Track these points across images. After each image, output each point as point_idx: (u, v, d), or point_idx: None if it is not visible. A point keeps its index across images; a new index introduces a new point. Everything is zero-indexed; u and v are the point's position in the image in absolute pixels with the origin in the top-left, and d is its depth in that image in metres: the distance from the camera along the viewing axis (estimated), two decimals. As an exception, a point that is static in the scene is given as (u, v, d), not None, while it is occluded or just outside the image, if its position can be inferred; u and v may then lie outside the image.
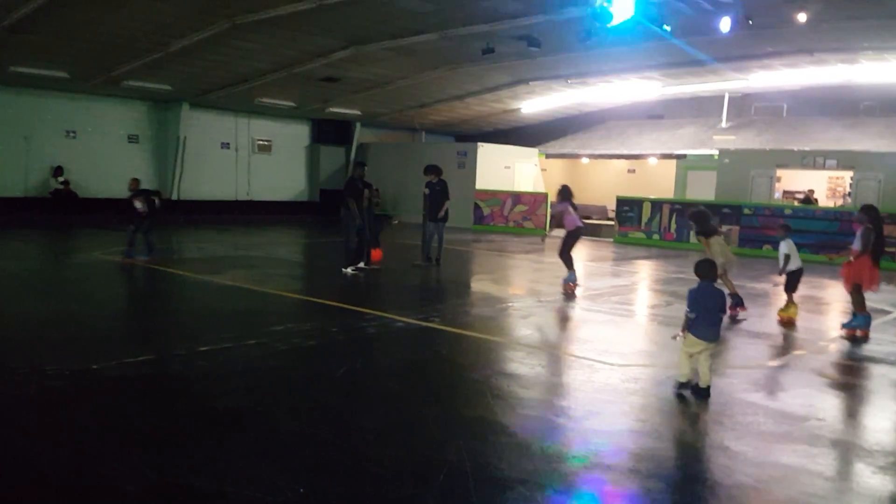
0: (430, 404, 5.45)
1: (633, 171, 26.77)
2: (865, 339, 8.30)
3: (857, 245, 8.37)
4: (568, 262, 10.96)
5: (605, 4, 11.92)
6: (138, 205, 12.50)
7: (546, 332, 8.54)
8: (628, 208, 20.96)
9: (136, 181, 12.90)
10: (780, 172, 21.04)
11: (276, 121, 26.19)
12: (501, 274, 12.61)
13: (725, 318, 6.79)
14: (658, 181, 24.54)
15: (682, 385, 5.87)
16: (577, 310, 10.02)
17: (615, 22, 12.22)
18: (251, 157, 25.86)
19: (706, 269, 5.88)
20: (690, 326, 5.73)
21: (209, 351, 6.64)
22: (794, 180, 21.92)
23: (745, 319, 9.12)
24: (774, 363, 7.36)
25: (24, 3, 13.40)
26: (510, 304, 10.14)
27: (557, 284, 11.22)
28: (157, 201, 12.91)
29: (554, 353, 7.24)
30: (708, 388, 5.76)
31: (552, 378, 6.28)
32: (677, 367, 5.98)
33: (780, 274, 9.07)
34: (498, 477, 4.09)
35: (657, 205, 20.33)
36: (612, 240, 21.00)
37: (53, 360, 6.05)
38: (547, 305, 10.12)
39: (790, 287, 9.17)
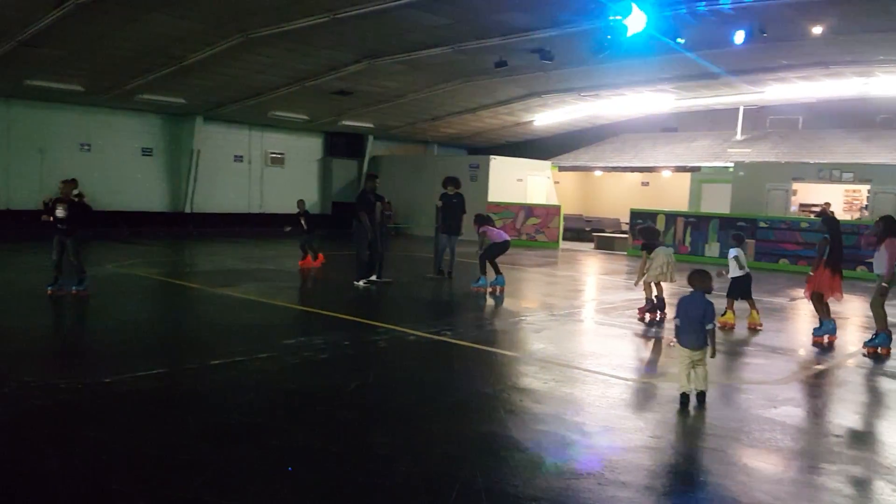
0: (443, 419, 5.40)
1: (647, 183, 26.67)
2: (831, 346, 8.50)
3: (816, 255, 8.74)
4: (482, 267, 12.07)
5: (619, 18, 11.92)
6: (60, 213, 9.90)
7: (559, 346, 8.46)
8: (642, 221, 20.82)
9: (74, 182, 10.37)
10: (795, 185, 20.90)
11: (289, 134, 26.33)
12: (514, 287, 12.54)
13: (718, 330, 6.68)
14: (672, 194, 24.43)
15: (681, 396, 5.87)
16: (591, 324, 9.94)
17: (628, 35, 12.21)
18: (264, 169, 25.97)
19: (697, 280, 5.98)
20: (678, 335, 5.88)
21: (221, 364, 6.62)
22: (811, 193, 21.74)
23: (648, 322, 9.64)
24: (792, 378, 7.25)
25: (40, 18, 13.55)
26: (523, 318, 10.08)
27: (572, 298, 11.14)
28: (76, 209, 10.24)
29: (567, 368, 7.16)
30: (702, 392, 5.84)
31: (566, 393, 6.20)
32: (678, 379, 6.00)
33: (717, 275, 9.38)
34: (511, 493, 4.03)
35: (671, 218, 20.21)
36: (625, 253, 20.89)
37: (66, 374, 6.05)
38: (560, 319, 10.04)
39: (732, 293, 9.43)
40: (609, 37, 12.91)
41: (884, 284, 8.07)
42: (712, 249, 19.26)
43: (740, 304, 9.55)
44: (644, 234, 10.02)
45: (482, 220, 12.47)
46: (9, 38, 14.60)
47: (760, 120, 24.60)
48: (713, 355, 5.85)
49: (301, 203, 15.26)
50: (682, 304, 5.91)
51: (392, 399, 5.94)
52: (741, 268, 9.38)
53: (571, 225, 25.39)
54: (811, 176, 20.33)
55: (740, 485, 4.34)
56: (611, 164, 25.63)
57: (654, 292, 9.82)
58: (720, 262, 18.59)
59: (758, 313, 9.48)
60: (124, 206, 22.28)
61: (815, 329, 8.81)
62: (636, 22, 12.01)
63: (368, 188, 12.52)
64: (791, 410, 6.06)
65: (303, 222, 14.76)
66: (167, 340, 8.11)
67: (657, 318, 9.81)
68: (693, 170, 23.21)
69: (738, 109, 24.04)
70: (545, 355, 7.82)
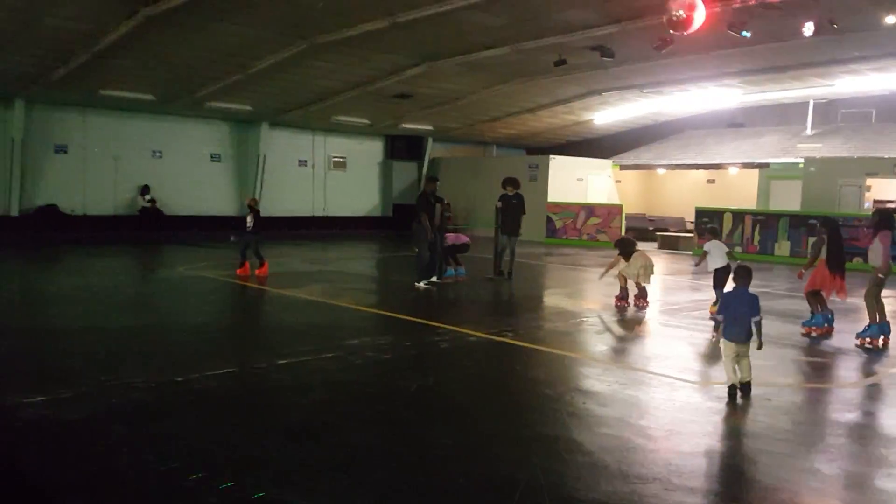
0: (505, 421, 5.39)
1: (713, 181, 26.04)
2: (829, 335, 8.78)
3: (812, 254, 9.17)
4: (446, 261, 12.96)
5: (681, 12, 11.68)
6: None
7: (623, 347, 8.35)
8: (708, 220, 20.35)
9: None
10: (869, 181, 20.07)
11: (350, 138, 26.74)
12: (575, 288, 12.43)
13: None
14: (739, 191, 23.79)
15: (729, 389, 5.98)
16: (656, 325, 9.78)
17: (692, 29, 11.96)
18: (327, 173, 26.45)
19: (741, 275, 6.19)
20: (723, 329, 6.04)
21: (288, 364, 6.77)
22: (885, 189, 20.86)
23: (627, 309, 10.51)
24: (867, 381, 6.97)
25: (112, 30, 14.12)
26: (585, 319, 9.98)
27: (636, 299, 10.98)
28: None
29: (631, 370, 7.06)
30: (747, 383, 5.96)
31: (630, 396, 6.11)
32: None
33: (696, 265, 10.54)
34: (574, 497, 3.99)
35: (739, 216, 19.68)
36: (690, 253, 20.44)
37: (140, 373, 6.27)
38: (623, 321, 9.90)
39: (717, 284, 9.82)
40: (671, 31, 12.66)
41: (880, 276, 8.25)
42: (782, 248, 18.68)
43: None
44: (621, 244, 11.08)
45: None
46: (84, 50, 15.27)
47: (831, 113, 23.74)
48: (759, 347, 6.00)
49: (252, 201, 13.62)
50: (728, 299, 6.13)
51: (453, 400, 5.97)
52: (721, 259, 9.85)
53: (634, 224, 24.97)
54: (886, 171, 19.48)
55: (814, 492, 4.20)
56: (674, 162, 25.12)
57: (629, 283, 10.79)
58: (791, 262, 18.10)
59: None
60: (194, 210, 23.02)
61: (804, 321, 9.08)
62: (700, 16, 11.75)
63: (429, 190, 12.60)
64: (864, 414, 5.83)
65: (248, 221, 12.88)
66: (236, 340, 8.34)
67: (640, 306, 10.59)
68: (761, 166, 22.55)
69: (807, 103, 23.26)
70: (608, 357, 7.73)
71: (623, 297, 10.75)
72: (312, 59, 16.89)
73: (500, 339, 8.24)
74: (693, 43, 14.50)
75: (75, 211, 20.99)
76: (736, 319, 5.95)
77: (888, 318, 8.45)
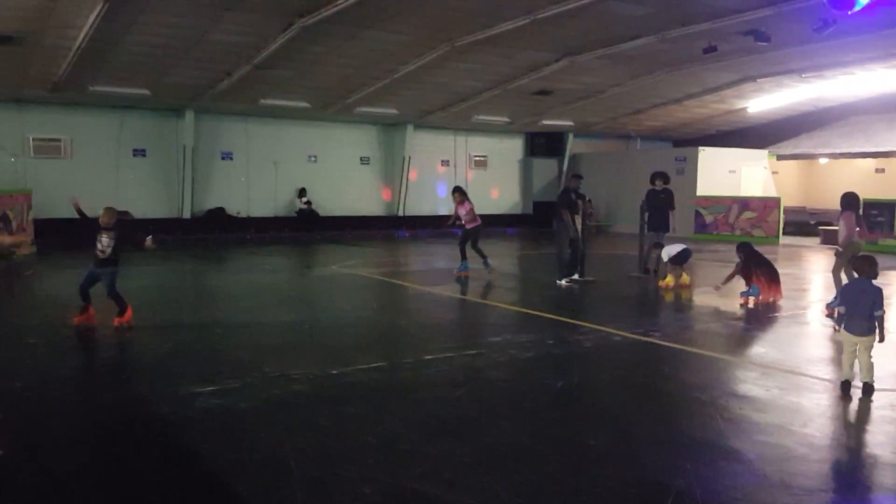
0: (654, 424, 5.24)
1: (883, 170, 23.95)
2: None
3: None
4: (462, 253, 13.30)
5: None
6: None
7: (783, 350, 7.86)
8: (878, 212, 18.76)
9: None
10: None
11: (491, 136, 26.95)
12: (727, 286, 11.82)
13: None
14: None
15: (842, 384, 5.87)
16: (819, 326, 9.13)
17: (856, 9, 11.05)
18: (468, 172, 26.80)
19: (863, 266, 5.98)
20: (844, 322, 5.87)
21: (434, 360, 6.94)
22: None
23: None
24: None
25: (270, 42, 15.05)
26: (739, 319, 9.49)
27: (796, 298, 10.33)
28: None
29: (793, 375, 6.64)
30: (866, 383, 5.75)
31: (791, 402, 5.75)
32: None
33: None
34: (731, 506, 3.83)
35: (913, 207, 17.97)
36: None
37: (299, 365, 6.66)
38: (783, 321, 9.33)
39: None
40: (835, 12, 11.76)
41: (839, 249, 9.50)
42: (967, 242, 16.85)
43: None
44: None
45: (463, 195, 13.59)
46: (245, 63, 16.38)
47: None
48: (881, 340, 5.70)
49: (110, 214, 8.03)
50: (849, 291, 5.92)
51: (599, 400, 5.89)
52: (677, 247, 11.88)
53: (793, 218, 23.45)
54: None
55: None
56: (838, 151, 23.32)
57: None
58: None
59: (687, 276, 12.08)
60: (346, 211, 24.14)
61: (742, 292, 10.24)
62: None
63: (572, 186, 12.46)
64: None
65: (104, 243, 7.96)
66: (385, 335, 8.64)
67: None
68: (940, 152, 20.47)
69: None
70: (767, 360, 7.30)
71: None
72: (454, 60, 17.18)
73: (646, 339, 8.02)
74: (858, 23, 13.39)
75: (240, 213, 22.60)
76: (857, 312, 5.76)
77: None
